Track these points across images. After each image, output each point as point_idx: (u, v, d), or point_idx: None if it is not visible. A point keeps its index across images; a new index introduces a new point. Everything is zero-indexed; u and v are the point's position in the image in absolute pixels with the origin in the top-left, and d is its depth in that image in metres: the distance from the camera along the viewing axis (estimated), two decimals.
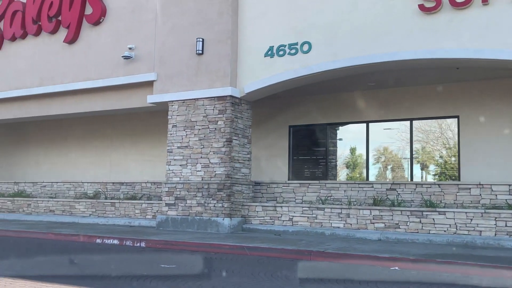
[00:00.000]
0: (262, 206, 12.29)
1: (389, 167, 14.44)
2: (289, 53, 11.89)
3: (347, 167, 15.13)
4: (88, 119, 17.94)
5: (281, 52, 12.00)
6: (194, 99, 12.76)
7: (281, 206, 12.02)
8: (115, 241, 10.13)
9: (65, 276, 6.45)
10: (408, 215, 10.58)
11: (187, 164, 12.71)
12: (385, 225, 10.76)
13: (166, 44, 13.32)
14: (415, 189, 11.51)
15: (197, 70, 12.77)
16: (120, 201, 14.49)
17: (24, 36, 15.96)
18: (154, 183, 15.10)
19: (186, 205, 12.51)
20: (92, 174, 17.89)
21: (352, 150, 14.96)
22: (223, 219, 11.92)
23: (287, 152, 15.02)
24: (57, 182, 16.93)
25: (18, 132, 20.31)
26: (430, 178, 13.74)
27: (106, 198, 15.34)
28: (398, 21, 10.77)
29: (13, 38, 16.17)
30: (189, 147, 12.74)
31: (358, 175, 14.75)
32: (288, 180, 14.32)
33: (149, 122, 16.89)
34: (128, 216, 14.18)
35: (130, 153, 17.54)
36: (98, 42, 14.61)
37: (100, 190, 15.80)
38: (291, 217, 11.83)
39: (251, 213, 12.35)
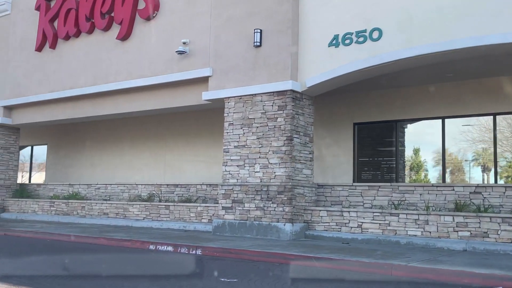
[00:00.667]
0: (327, 210, 11.19)
1: (469, 167, 12.98)
2: (357, 42, 10.76)
3: (411, 169, 13.79)
4: (142, 119, 17.46)
5: (347, 41, 10.89)
6: (252, 94, 11.85)
7: (349, 211, 10.88)
8: (169, 248, 9.34)
9: None
10: (499, 223, 9.18)
11: (245, 165, 11.81)
12: (471, 233, 9.41)
13: (222, 37, 12.50)
14: (504, 192, 10.09)
15: (254, 63, 11.87)
16: (175, 204, 13.79)
17: (77, 34, 15.62)
18: (209, 185, 14.33)
19: (244, 208, 11.61)
20: (146, 176, 17.40)
21: (416, 151, 13.63)
22: (284, 225, 10.92)
23: (351, 151, 13.84)
24: (111, 184, 16.52)
25: (73, 134, 20.17)
26: None
27: (160, 201, 14.71)
28: (484, 0, 9.42)
29: (66, 37, 15.89)
30: (246, 146, 11.84)
31: (430, 178, 13.39)
32: (353, 182, 13.18)
33: (203, 121, 16.19)
34: (183, 219, 13.46)
35: (184, 153, 16.89)
36: (151, 37, 14.00)
37: (154, 192, 15.20)
38: (360, 223, 10.67)
39: (315, 219, 11.28)
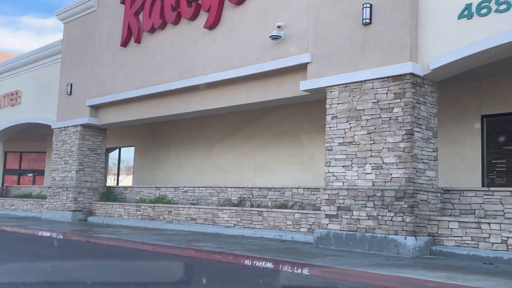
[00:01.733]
0: (458, 222, 9.02)
1: None
2: (497, 10, 8.55)
3: None
4: (231, 116, 16.14)
5: (483, 10, 8.71)
6: (360, 81, 9.98)
7: (489, 223, 8.64)
8: (269, 264, 7.71)
9: None
10: None
11: (352, 165, 9.94)
12: None
13: (322, 16, 10.74)
14: None
15: (363, 44, 9.99)
16: (269, 210, 12.20)
17: (163, 26, 14.58)
18: (307, 188, 12.59)
19: (352, 217, 9.74)
20: (235, 178, 16.03)
21: None
22: (404, 238, 8.91)
23: (478, 149, 11.51)
24: (199, 187, 15.29)
25: (160, 135, 19.34)
26: None
27: (252, 206, 13.21)
28: None
29: (152, 30, 14.91)
30: (354, 143, 9.97)
31: None
32: (482, 186, 10.87)
33: (298, 116, 14.56)
34: (278, 228, 11.83)
35: (276, 154, 15.32)
36: (242, 24, 12.57)
37: (245, 196, 13.73)
38: (505, 238, 8.41)
39: (442, 231, 9.15)
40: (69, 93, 17.81)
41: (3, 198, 22.78)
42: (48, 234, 12.54)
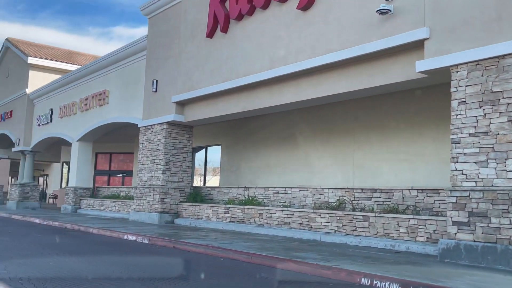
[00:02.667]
0: None
1: None
2: None
3: None
4: (325, 110, 14.60)
5: None
6: (497, 57, 8.04)
7: None
8: (395, 286, 6.07)
9: None
10: None
11: (488, 161, 8.02)
12: None
13: None
14: None
15: (499, 10, 8.04)
16: (376, 215, 10.48)
17: (251, 11, 13.34)
18: (422, 190, 10.72)
19: (490, 225, 7.82)
20: (330, 178, 14.47)
21: None
22: None
23: None
24: (291, 188, 13.86)
25: (247, 132, 18.19)
26: None
27: (354, 210, 11.55)
28: None
29: (239, 17, 13.72)
30: (490, 133, 8.05)
31: None
32: None
33: (405, 106, 12.74)
34: (388, 236, 10.09)
35: (379, 151, 13.54)
36: (341, 0, 10.97)
37: (345, 198, 12.10)
38: None
39: None
40: (154, 90, 17.15)
41: (93, 198, 22.81)
42: (133, 238, 11.71)
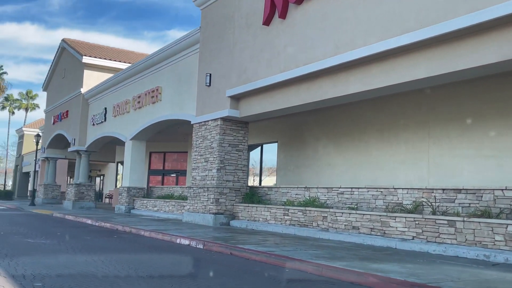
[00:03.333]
0: None
1: None
2: None
3: None
4: (394, 100, 13.18)
5: None
6: None
7: None
8: None
9: None
10: None
11: None
12: None
13: None
14: None
15: None
16: (464, 219, 8.98)
17: None
18: None
19: None
20: (401, 177, 13.05)
21: None
22: None
23: None
24: (358, 188, 12.49)
25: (306, 127, 16.97)
26: None
27: (435, 213, 10.07)
28: None
29: (298, 1, 12.51)
30: None
31: None
32: None
33: (488, 95, 11.11)
34: (481, 244, 8.59)
35: (458, 146, 11.99)
36: None
37: (423, 199, 10.62)
38: None
39: None
40: (208, 84, 16.23)
41: (147, 198, 22.24)
42: (186, 242, 10.76)
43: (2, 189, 54.65)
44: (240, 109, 15.30)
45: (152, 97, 21.00)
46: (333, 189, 13.19)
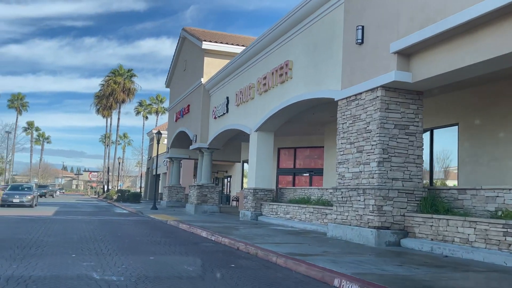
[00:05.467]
0: None
1: None
2: None
3: None
4: None
5: None
6: None
7: None
8: None
9: None
10: None
11: None
12: None
13: None
14: None
15: None
16: None
17: None
18: None
19: None
20: None
21: None
22: None
23: None
24: None
25: (506, 99, 11.29)
26: None
27: None
28: None
29: None
30: None
31: None
32: None
33: None
34: None
35: None
36: None
37: None
38: None
39: None
40: (359, 41, 11.35)
41: (277, 203, 17.88)
42: (348, 285, 5.97)
43: (133, 191, 54.77)
44: (413, 70, 10.17)
45: (281, 75, 16.63)
46: None
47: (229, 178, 47.21)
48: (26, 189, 29.63)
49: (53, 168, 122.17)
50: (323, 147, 21.71)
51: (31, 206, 26.96)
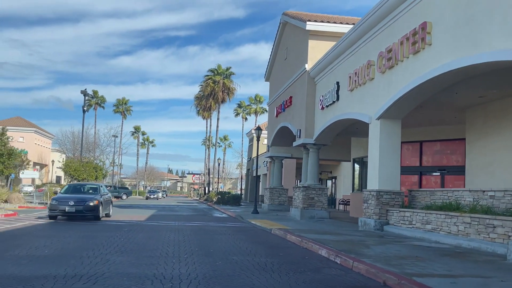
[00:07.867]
0: None
1: None
2: None
3: None
4: None
5: None
6: None
7: None
8: None
9: None
10: None
11: None
12: None
13: None
14: None
15: None
16: None
17: None
18: None
19: None
20: None
21: None
22: None
23: None
24: None
25: None
26: None
27: None
28: None
29: None
30: None
31: None
32: None
33: None
34: None
35: None
36: None
37: None
38: None
39: None
40: None
41: (410, 210, 13.94)
42: None
43: (233, 193, 52.86)
44: None
45: (414, 43, 12.76)
46: None
47: (334, 180, 43.36)
48: (90, 191, 19.78)
49: (159, 172, 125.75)
50: (463, 139, 17.32)
51: (96, 217, 17.77)
